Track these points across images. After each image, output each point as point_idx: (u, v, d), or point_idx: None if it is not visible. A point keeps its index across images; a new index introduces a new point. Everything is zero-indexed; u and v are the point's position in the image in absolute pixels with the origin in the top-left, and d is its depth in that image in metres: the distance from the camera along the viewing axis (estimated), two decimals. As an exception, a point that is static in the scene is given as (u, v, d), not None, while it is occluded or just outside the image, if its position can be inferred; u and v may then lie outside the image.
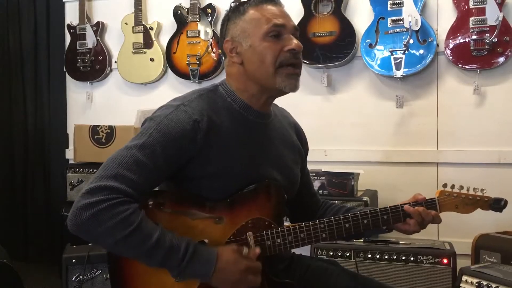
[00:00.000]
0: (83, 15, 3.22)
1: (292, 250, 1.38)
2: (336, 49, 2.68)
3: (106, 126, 2.88)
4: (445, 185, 1.35)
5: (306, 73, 2.84)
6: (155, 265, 1.14)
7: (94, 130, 2.88)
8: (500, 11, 2.38)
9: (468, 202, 1.34)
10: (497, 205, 1.34)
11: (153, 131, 1.17)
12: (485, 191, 1.35)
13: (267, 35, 1.24)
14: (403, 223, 1.30)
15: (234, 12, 1.30)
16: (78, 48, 3.23)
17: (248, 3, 1.29)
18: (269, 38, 1.24)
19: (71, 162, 3.20)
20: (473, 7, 2.45)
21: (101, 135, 2.87)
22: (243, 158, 1.26)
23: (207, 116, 1.21)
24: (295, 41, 1.26)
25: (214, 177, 1.22)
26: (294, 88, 1.27)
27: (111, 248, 1.15)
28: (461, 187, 1.35)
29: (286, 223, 1.32)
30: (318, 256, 2.12)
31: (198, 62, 2.96)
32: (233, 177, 1.24)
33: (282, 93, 1.28)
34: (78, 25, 3.24)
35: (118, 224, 1.08)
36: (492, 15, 2.39)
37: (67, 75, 3.35)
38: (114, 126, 2.87)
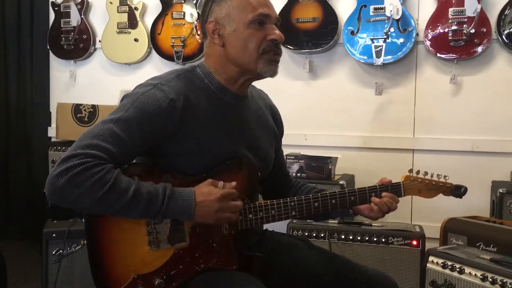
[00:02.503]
0: (68, -8, 3.21)
1: (265, 226, 1.44)
2: (319, 35, 2.72)
3: (89, 105, 2.89)
4: (410, 171, 1.43)
5: (289, 58, 2.87)
6: (138, 216, 1.17)
7: (77, 108, 2.89)
8: (478, 3, 2.43)
9: (431, 188, 1.43)
10: (457, 191, 1.42)
11: (129, 107, 1.20)
12: (447, 178, 1.44)
13: (252, 22, 1.28)
14: (369, 211, 1.39)
15: None
16: (62, 26, 3.22)
17: None
18: (254, 25, 1.28)
19: (53, 140, 3.21)
20: (453, -2, 2.50)
21: (84, 114, 2.88)
22: (218, 137, 1.30)
23: (183, 95, 1.25)
24: (277, 31, 1.31)
25: (189, 155, 1.26)
26: (273, 74, 1.32)
27: (91, 208, 1.16)
28: (426, 173, 1.43)
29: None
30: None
31: (182, 44, 2.98)
32: (208, 156, 1.28)
33: (261, 77, 1.33)
34: (62, 2, 3.21)
35: (95, 184, 1.10)
36: (471, 7, 2.45)
37: (50, 53, 3.34)
38: (97, 105, 2.88)
